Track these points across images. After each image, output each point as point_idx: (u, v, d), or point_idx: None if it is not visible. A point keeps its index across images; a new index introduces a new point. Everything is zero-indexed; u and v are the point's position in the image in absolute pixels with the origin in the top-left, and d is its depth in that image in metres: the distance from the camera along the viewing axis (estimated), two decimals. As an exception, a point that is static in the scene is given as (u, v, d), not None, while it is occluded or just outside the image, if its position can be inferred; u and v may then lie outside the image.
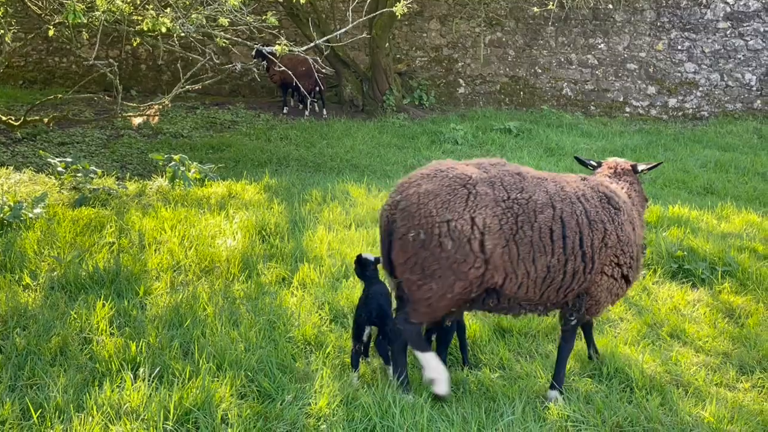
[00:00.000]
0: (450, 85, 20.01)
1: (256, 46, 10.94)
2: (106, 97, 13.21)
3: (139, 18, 10.42)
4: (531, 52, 19.56)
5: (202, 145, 15.28)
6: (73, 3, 8.89)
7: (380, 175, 13.30)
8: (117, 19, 10.37)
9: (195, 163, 11.88)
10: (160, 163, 12.08)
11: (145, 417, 4.74)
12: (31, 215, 9.00)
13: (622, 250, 5.28)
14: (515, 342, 6.32)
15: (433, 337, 5.83)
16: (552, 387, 5.43)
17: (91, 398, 4.94)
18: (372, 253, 6.21)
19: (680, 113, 19.10)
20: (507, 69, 19.71)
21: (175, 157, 11.73)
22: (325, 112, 18.66)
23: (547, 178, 5.35)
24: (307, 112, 18.61)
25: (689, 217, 10.18)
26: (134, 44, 11.77)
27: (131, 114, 10.86)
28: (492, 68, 19.78)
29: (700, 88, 19.03)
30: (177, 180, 11.37)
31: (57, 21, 9.74)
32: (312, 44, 10.41)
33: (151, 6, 10.54)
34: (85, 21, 9.05)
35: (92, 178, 11.15)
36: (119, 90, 10.66)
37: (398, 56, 20.10)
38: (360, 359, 5.72)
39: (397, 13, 10.41)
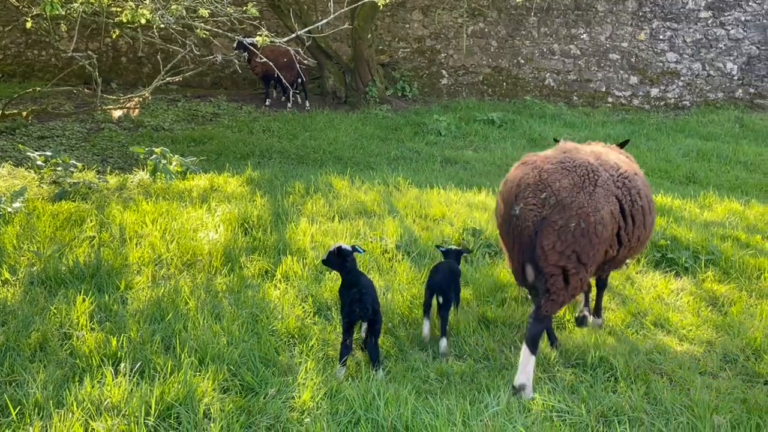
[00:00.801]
0: (433, 76, 19.96)
1: (237, 37, 10.85)
2: (86, 90, 13.05)
3: (118, 9, 10.31)
4: (513, 42, 19.54)
5: (183, 137, 15.16)
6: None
7: (363, 167, 13.25)
8: (95, 10, 10.26)
9: (176, 156, 11.78)
10: (141, 157, 11.97)
11: (126, 413, 4.68)
12: (9, 209, 8.89)
13: None
14: (499, 332, 6.30)
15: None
16: None
17: (71, 394, 4.87)
18: (361, 244, 6.16)
19: (662, 103, 19.14)
20: (490, 60, 19.68)
21: (156, 150, 11.63)
22: (307, 103, 18.58)
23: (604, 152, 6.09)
24: (289, 104, 18.52)
25: (672, 206, 10.19)
26: (113, 36, 11.63)
27: (111, 107, 10.74)
28: (475, 59, 19.75)
29: (682, 78, 19.08)
30: (158, 173, 11.27)
31: (35, 13, 9.62)
32: (293, 35, 10.33)
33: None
34: (63, 12, 8.92)
35: (72, 172, 11.03)
36: (98, 83, 10.54)
37: (381, 47, 20.04)
38: (348, 352, 5.69)
39: (379, 4, 10.38)
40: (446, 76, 19.91)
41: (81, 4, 9.75)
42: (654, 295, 7.15)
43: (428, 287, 6.27)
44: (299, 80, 17.71)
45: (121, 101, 11.11)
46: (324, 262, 6.05)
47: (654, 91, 19.18)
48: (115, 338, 5.63)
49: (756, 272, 7.69)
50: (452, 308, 6.28)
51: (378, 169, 12.72)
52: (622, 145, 6.91)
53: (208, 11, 10.23)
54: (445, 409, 4.91)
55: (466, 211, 9.80)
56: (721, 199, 10.80)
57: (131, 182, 11.02)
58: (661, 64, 19.08)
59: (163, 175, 11.24)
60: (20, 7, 10.12)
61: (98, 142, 14.57)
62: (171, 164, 11.55)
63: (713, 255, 7.97)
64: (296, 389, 5.16)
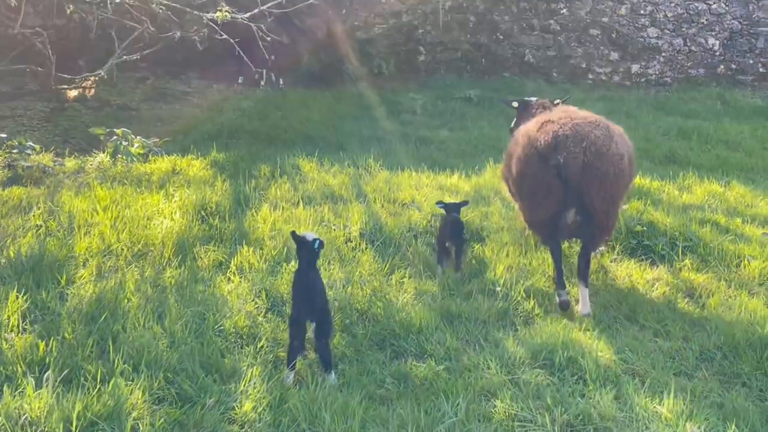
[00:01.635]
0: (410, 53, 19.40)
1: (198, 14, 10.31)
2: (39, 69, 12.49)
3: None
4: (492, 18, 19.02)
5: (150, 117, 14.67)
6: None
7: (334, 148, 12.77)
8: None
9: (138, 138, 11.28)
10: (102, 138, 11.45)
11: (45, 429, 4.26)
12: (-45, 196, 8.42)
13: None
14: (464, 329, 5.90)
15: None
16: None
17: (-13, 407, 4.45)
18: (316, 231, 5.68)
19: (643, 79, 18.71)
20: (468, 36, 19.15)
21: (118, 131, 11.13)
22: (281, 81, 18.04)
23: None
24: (262, 82, 17.98)
25: (650, 188, 9.80)
26: (68, 12, 11.06)
27: (65, 87, 10.21)
28: (453, 35, 19.20)
29: (663, 54, 18.64)
30: (119, 156, 10.79)
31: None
32: (256, 10, 9.82)
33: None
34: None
35: (29, 155, 10.54)
36: (52, 61, 10.01)
37: (356, 23, 19.46)
38: (297, 356, 5.27)
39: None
40: (424, 53, 19.37)
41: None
42: (628, 285, 6.77)
43: (440, 241, 7.14)
44: (272, 57, 17.17)
45: (76, 81, 10.57)
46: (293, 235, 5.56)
47: (635, 67, 18.74)
48: (43, 342, 5.19)
49: (735, 259, 7.30)
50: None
51: (349, 150, 12.25)
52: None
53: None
54: (397, 421, 4.51)
55: (437, 194, 9.36)
56: (701, 181, 10.41)
57: (90, 165, 10.52)
58: (641, 40, 18.63)
59: (123, 157, 10.76)
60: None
61: (61, 123, 14.03)
62: (133, 146, 11.06)
63: (691, 241, 7.58)
64: (238, 398, 4.75)
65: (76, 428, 4.26)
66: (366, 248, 7.36)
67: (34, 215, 7.91)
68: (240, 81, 18.07)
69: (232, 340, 5.59)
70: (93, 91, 10.20)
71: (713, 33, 18.44)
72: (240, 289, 6.40)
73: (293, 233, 5.58)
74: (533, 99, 8.44)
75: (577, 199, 6.11)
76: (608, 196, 6.14)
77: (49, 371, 4.80)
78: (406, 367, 5.34)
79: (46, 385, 4.62)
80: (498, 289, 6.44)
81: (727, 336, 5.77)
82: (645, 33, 18.58)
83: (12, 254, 6.79)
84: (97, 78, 10.23)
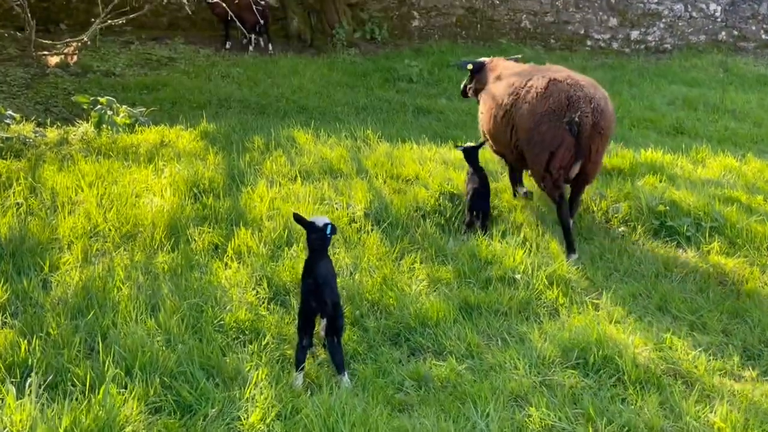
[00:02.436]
0: (403, 17, 18.74)
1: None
2: (18, 34, 11.80)
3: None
4: (488, -19, 18.41)
5: (135, 84, 13.99)
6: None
7: (330, 118, 12.22)
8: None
9: (124, 107, 10.68)
10: (85, 107, 10.83)
11: (29, 448, 3.77)
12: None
13: None
14: (484, 322, 5.41)
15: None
16: None
17: (-39, 420, 3.95)
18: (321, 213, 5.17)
19: (643, 46, 18.16)
20: (463, 0, 18.52)
21: (102, 99, 10.51)
22: (270, 47, 17.34)
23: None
24: (251, 48, 17.29)
25: (663, 162, 9.31)
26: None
27: (46, 53, 9.57)
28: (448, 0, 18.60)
29: (663, 20, 18.09)
30: (103, 126, 10.19)
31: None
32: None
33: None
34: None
35: (8, 125, 9.94)
36: (32, 25, 9.36)
37: (348, -14, 18.81)
38: (306, 355, 4.79)
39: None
40: (417, 17, 18.72)
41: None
42: (656, 271, 6.29)
43: (470, 208, 7.15)
44: (261, 22, 16.52)
45: (57, 46, 9.93)
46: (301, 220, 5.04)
47: (634, 34, 18.19)
48: (25, 340, 4.68)
49: (765, 242, 6.84)
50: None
51: (345, 121, 11.69)
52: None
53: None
54: (424, 433, 4.04)
55: (441, 170, 8.84)
56: (715, 154, 9.92)
57: (73, 136, 9.93)
58: (641, 5, 18.05)
59: (108, 128, 10.17)
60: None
61: (42, 90, 13.34)
62: (118, 115, 10.46)
63: (717, 222, 7.11)
64: (244, 406, 4.26)
65: (63, 446, 3.77)
66: (372, 230, 6.85)
67: (14, 192, 7.36)
68: (228, 46, 17.39)
69: (233, 336, 5.09)
70: (75, 58, 9.59)
71: (715, -2, 17.91)
72: (239, 276, 5.90)
73: (300, 218, 5.04)
74: (486, 60, 8.58)
75: (583, 152, 6.50)
76: (604, 149, 6.90)
77: (33, 375, 4.28)
78: (425, 366, 4.86)
79: (29, 393, 4.11)
80: (518, 276, 5.95)
81: (772, 330, 5.32)
82: (645, -2, 18.02)
83: (-10, 236, 6.26)
84: (79, 44, 9.59)
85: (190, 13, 10.95)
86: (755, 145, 11.56)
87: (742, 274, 6.26)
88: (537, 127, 6.61)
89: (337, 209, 7.24)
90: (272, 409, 4.21)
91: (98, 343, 4.72)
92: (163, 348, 4.74)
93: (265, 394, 4.35)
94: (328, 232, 4.96)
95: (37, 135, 9.78)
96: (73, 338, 4.81)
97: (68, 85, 13.68)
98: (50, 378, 4.34)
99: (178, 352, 4.66)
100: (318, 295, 4.69)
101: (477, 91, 8.34)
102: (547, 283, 5.89)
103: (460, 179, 8.30)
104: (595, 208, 7.46)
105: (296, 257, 6.15)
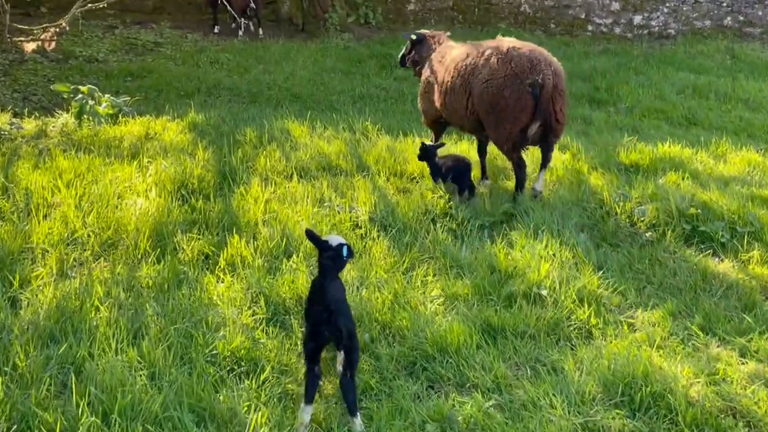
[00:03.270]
0: (398, 1, 18.01)
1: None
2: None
3: None
4: (486, -37, 17.72)
5: (119, 71, 13.28)
6: None
7: (325, 107, 11.56)
8: None
9: (107, 96, 9.99)
10: (66, 96, 10.13)
11: None
12: None
13: None
14: (510, 348, 4.78)
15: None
16: None
17: None
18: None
19: (646, 31, 17.52)
20: (460, -17, 17.84)
21: (83, 88, 9.82)
22: (261, 31, 16.64)
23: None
24: (240, 32, 16.57)
25: (682, 156, 8.70)
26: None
27: (22, 39, 8.85)
28: (444, -18, 17.91)
29: (667, 4, 17.45)
30: (85, 116, 9.51)
31: None
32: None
33: None
34: None
35: (-20, 116, 9.27)
36: (6, 9, 8.65)
37: (341, -32, 18.07)
38: (318, 386, 4.16)
39: None
40: (413, 1, 18.03)
41: None
42: (693, 284, 5.67)
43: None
44: (251, 5, 15.80)
45: (34, 32, 9.22)
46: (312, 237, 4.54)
47: (637, 19, 17.55)
48: (-13, 379, 4.04)
49: (808, 250, 6.24)
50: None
51: (342, 111, 11.06)
52: None
53: None
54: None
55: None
56: (736, 148, 9.32)
57: (52, 128, 9.24)
58: (645, -11, 17.42)
59: (90, 118, 9.49)
60: None
61: (20, 76, 12.61)
62: (101, 105, 9.77)
63: (752, 226, 6.50)
64: (242, 462, 3.64)
65: None
66: (378, 236, 6.22)
67: (-18, 193, 6.70)
68: (216, 31, 16.67)
69: (228, 367, 4.45)
70: (54, 44, 8.91)
71: (720, -18, 17.29)
72: (233, 292, 5.26)
73: (313, 235, 4.52)
74: (427, 32, 8.68)
75: (543, 113, 6.80)
76: (565, 108, 7.05)
77: (-7, 424, 3.65)
78: (447, 404, 4.23)
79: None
80: (544, 292, 5.31)
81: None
82: (649, -19, 17.38)
83: (-46, 246, 5.61)
84: (57, 29, 8.88)
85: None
86: (774, 137, 10.98)
87: (789, 288, 5.66)
88: (500, 91, 6.79)
89: (339, 212, 6.61)
90: (276, 465, 3.59)
91: (71, 380, 4.07)
92: (147, 386, 4.09)
93: (267, 445, 3.73)
94: (345, 255, 4.40)
95: (13, 127, 9.10)
96: (43, 373, 4.17)
97: (48, 72, 12.96)
98: (14, 427, 3.70)
99: (165, 391, 4.01)
100: (332, 324, 4.08)
101: (415, 63, 8.58)
102: (577, 300, 5.26)
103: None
104: (618, 211, 6.82)
105: (296, 270, 5.51)
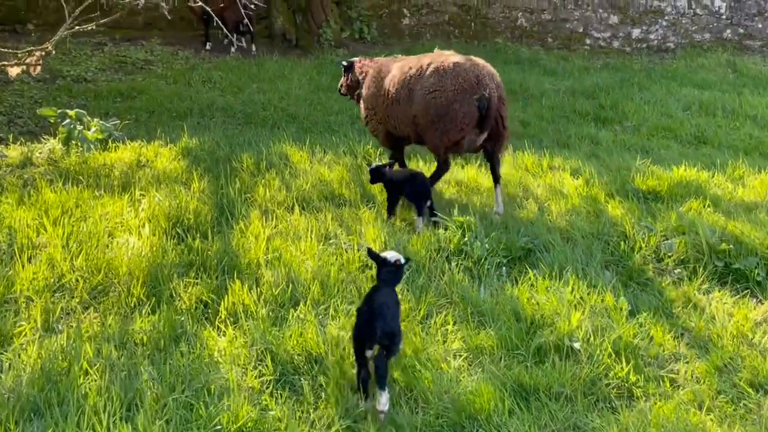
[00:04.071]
0: (393, 15, 17.57)
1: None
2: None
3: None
4: (482, -23, 17.29)
5: (108, 91, 12.73)
6: None
7: (323, 129, 11.05)
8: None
9: (96, 120, 9.46)
10: (52, 120, 9.59)
11: None
12: None
13: None
14: (546, 413, 4.29)
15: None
16: None
17: None
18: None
19: (644, 45, 17.13)
20: (456, -3, 17.41)
21: (71, 113, 9.30)
22: (254, 48, 16.12)
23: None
24: (233, 48, 16.06)
25: (699, 180, 8.25)
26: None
27: (4, 63, 8.36)
28: (439, -4, 17.46)
29: (666, 17, 17.07)
30: (73, 142, 8.99)
31: None
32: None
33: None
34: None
35: (-38, 143, 8.74)
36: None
37: (334, -17, 17.61)
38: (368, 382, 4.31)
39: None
40: (408, 15, 17.57)
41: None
42: (734, 330, 5.20)
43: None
44: (244, 21, 15.29)
45: (18, 56, 8.71)
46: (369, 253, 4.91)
47: (635, 32, 17.15)
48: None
49: None
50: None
51: (341, 132, 10.55)
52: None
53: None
54: None
55: (454, 192, 7.78)
56: (753, 170, 8.87)
57: (38, 155, 8.71)
58: (643, 2, 17.02)
59: (78, 144, 8.96)
60: None
61: (6, 98, 12.06)
62: (89, 129, 9.25)
63: (787, 262, 6.05)
64: None
65: None
66: (390, 278, 5.72)
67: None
68: (208, 47, 16.17)
69: (233, 445, 3.96)
70: (39, 68, 8.44)
71: (720, -6, 16.91)
72: (235, 348, 4.76)
73: (373, 253, 4.84)
74: (356, 59, 8.65)
75: (488, 125, 7.02)
76: (507, 113, 7.32)
77: None
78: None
79: None
80: (577, 345, 4.82)
81: None
82: (647, -6, 16.98)
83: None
84: (43, 52, 8.39)
85: (166, 13, 9.69)
86: (786, 156, 10.55)
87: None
88: (450, 104, 6.92)
89: (347, 251, 6.11)
90: None
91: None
92: (143, 473, 3.59)
93: None
94: (404, 266, 4.86)
95: (-2, 157, 8.57)
96: (26, 457, 3.66)
97: (35, 93, 12.43)
98: None
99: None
100: (370, 324, 4.26)
101: (352, 89, 8.52)
102: (613, 354, 4.78)
103: (474, 202, 7.27)
104: (643, 245, 6.35)
105: (304, 321, 5.01)
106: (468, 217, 6.52)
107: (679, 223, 6.57)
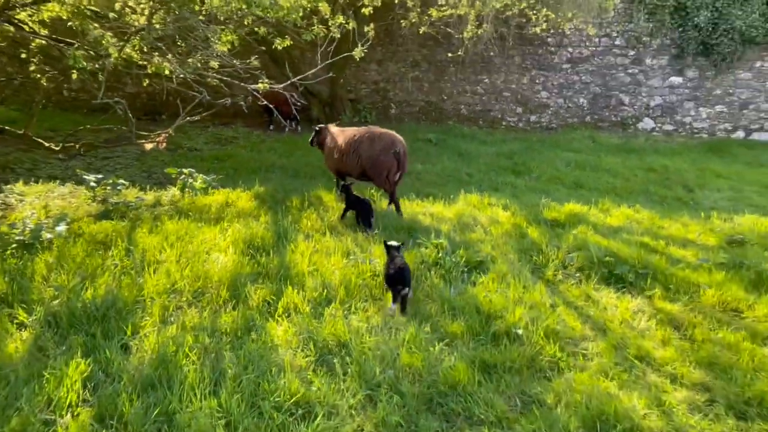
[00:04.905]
0: (385, 108, 17.03)
1: (244, 85, 7.92)
2: (123, 128, 9.95)
3: (146, 63, 7.29)
4: (439, 84, 16.72)
5: (210, 156, 12.13)
6: (73, 52, 5.82)
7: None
8: (126, 63, 7.24)
9: (200, 175, 8.84)
10: (174, 176, 9.01)
11: None
12: (50, 235, 6.00)
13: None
14: (503, 383, 3.72)
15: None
16: None
17: None
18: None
19: (538, 125, 16.62)
20: (423, 96, 16.81)
21: (185, 170, 8.71)
22: (299, 129, 15.55)
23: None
24: (287, 129, 15.49)
25: (582, 212, 7.73)
26: (144, 84, 8.56)
27: (143, 141, 7.86)
28: (413, 96, 16.88)
29: (551, 109, 16.56)
30: (186, 189, 8.40)
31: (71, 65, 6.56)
32: (288, 82, 7.50)
33: (157, 53, 7.41)
34: (87, 66, 5.99)
35: (120, 190, 8.11)
36: (132, 121, 7.56)
37: (349, 88, 17.03)
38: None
39: (356, 57, 7.61)
40: (394, 107, 17.02)
41: (115, 59, 6.75)
42: (620, 317, 4.66)
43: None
44: (293, 113, 14.75)
45: (151, 136, 8.17)
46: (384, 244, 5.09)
47: (533, 117, 16.64)
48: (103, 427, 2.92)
49: (692, 287, 5.25)
50: None
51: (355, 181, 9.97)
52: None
53: (218, 63, 7.28)
54: None
55: (429, 221, 7.24)
56: (615, 204, 8.36)
57: (165, 198, 8.12)
58: (537, 99, 16.51)
59: (189, 191, 8.38)
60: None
61: (147, 161, 11.42)
62: (197, 181, 8.67)
63: (646, 268, 5.52)
64: None
65: None
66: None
67: (112, 254, 5.57)
68: (271, 128, 15.58)
69: (289, 411, 3.36)
70: (164, 144, 7.94)
71: (583, 95, 16.39)
72: (288, 335, 4.18)
73: (386, 243, 5.02)
74: (324, 126, 8.52)
75: (402, 167, 7.06)
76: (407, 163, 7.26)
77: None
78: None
79: None
80: (520, 332, 4.27)
81: (756, 391, 3.65)
82: (539, 95, 16.46)
83: (90, 297, 4.48)
84: (166, 134, 7.85)
85: (245, 108, 9.15)
86: (630, 195, 10.03)
87: (689, 320, 4.64)
88: (378, 156, 7.03)
89: (361, 264, 5.54)
90: None
91: (167, 427, 2.97)
92: (224, 437, 3.00)
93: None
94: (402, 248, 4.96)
95: (137, 200, 7.95)
96: (143, 425, 3.06)
97: (165, 158, 11.78)
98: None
99: (238, 445, 2.92)
100: (401, 275, 4.57)
101: (318, 143, 8.42)
102: (545, 337, 4.22)
103: (445, 229, 6.69)
104: (554, 258, 5.80)
105: (335, 316, 4.44)
106: (441, 241, 5.96)
107: (576, 243, 6.04)
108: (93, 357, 3.71)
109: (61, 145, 8.82)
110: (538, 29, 13.11)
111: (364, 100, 17.00)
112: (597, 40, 15.96)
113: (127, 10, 7.06)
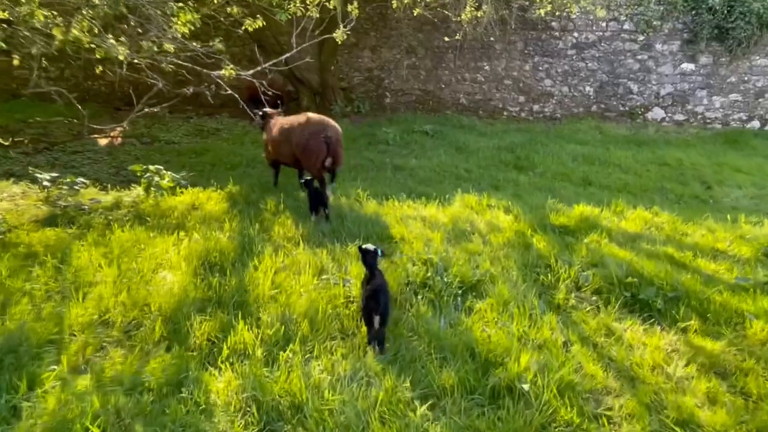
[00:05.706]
0: (380, 97, 15.94)
1: (207, 72, 6.89)
2: (74, 121, 8.95)
3: (94, 46, 6.26)
4: (437, 72, 15.62)
5: (187, 150, 11.11)
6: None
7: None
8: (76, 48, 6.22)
9: (168, 173, 7.87)
10: (139, 174, 8.02)
11: None
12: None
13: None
14: None
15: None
16: None
17: None
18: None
19: (541, 115, 15.56)
20: (420, 84, 15.73)
21: (151, 168, 7.71)
22: (288, 119, 14.52)
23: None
24: (275, 120, 14.44)
25: (593, 216, 6.74)
26: (98, 71, 7.50)
27: (96, 135, 6.89)
28: (409, 84, 15.79)
29: (555, 98, 15.48)
30: (151, 189, 7.43)
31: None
32: (258, 68, 6.48)
33: (111, 36, 6.39)
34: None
35: (78, 191, 7.14)
36: (85, 114, 6.55)
37: (341, 76, 15.94)
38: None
39: (338, 40, 6.60)
40: (389, 96, 15.95)
41: (59, 41, 5.75)
42: (650, 361, 3.69)
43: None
44: (279, 102, 13.69)
45: (106, 131, 7.19)
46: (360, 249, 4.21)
47: (535, 107, 15.56)
48: None
49: (734, 317, 4.27)
50: None
51: (340, 177, 8.96)
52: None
53: (173, 47, 6.24)
54: None
55: (420, 227, 6.25)
56: (629, 205, 7.36)
57: (126, 199, 7.15)
58: (540, 88, 15.42)
59: (154, 190, 7.42)
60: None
61: (118, 156, 10.42)
62: (164, 180, 7.69)
63: (677, 290, 4.54)
64: None
65: None
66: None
67: (37, 275, 4.60)
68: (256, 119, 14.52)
69: None
70: (120, 139, 7.00)
71: (589, 83, 15.29)
72: (229, 391, 3.22)
73: (361, 248, 4.15)
74: (268, 110, 8.19)
75: (332, 153, 6.67)
76: (341, 150, 6.88)
77: None
78: None
79: None
80: (526, 387, 3.30)
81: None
82: (543, 83, 15.36)
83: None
84: (121, 128, 6.88)
85: (210, 98, 8.21)
86: (645, 193, 9.04)
87: (737, 365, 3.67)
88: (308, 141, 6.74)
89: (334, 285, 4.57)
90: None
91: None
92: None
93: None
94: (381, 255, 4.16)
95: (92, 201, 6.98)
96: None
97: (138, 152, 10.78)
98: None
99: None
100: (375, 298, 3.69)
101: (262, 126, 8.19)
102: (558, 395, 3.25)
103: (437, 238, 5.72)
104: (564, 276, 4.82)
105: (290, 365, 3.47)
106: (431, 256, 4.98)
107: (590, 256, 5.06)
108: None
109: (10, 139, 7.84)
110: (542, 11, 11.99)
111: (358, 88, 15.94)
112: (604, 24, 14.85)
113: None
